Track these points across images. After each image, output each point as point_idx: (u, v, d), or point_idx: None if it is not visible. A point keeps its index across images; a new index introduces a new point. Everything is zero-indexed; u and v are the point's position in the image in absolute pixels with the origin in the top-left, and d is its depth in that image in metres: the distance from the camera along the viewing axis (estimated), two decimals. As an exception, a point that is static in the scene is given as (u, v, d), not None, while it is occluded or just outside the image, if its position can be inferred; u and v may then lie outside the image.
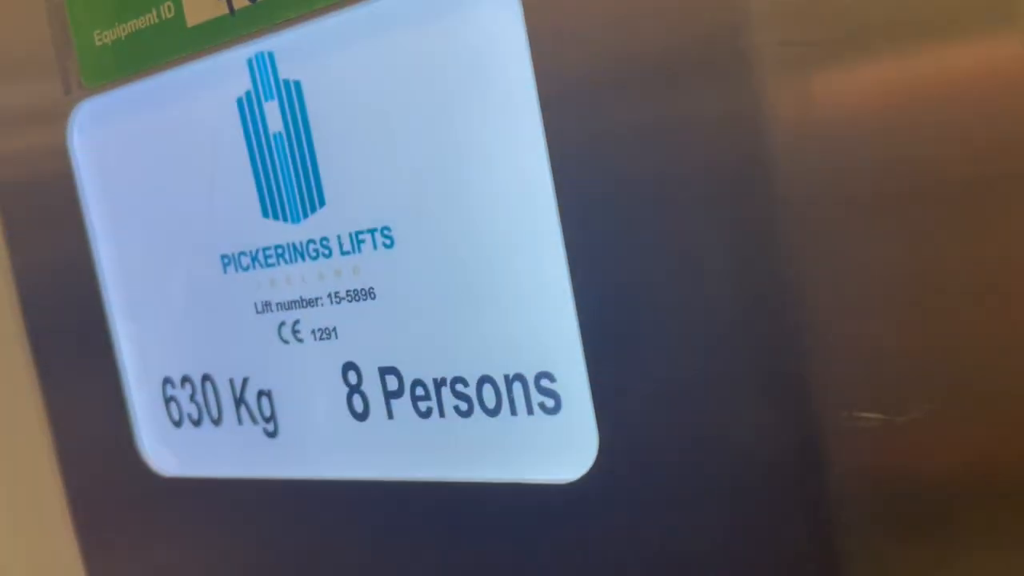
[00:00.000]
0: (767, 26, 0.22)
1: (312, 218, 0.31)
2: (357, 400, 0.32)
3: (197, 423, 0.36)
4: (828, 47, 0.22)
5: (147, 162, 0.35)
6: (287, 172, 0.31)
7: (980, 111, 0.21)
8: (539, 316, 0.27)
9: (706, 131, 0.24)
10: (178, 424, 0.37)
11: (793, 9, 0.22)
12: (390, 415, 0.31)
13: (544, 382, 0.28)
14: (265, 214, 0.32)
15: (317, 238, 0.31)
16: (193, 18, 0.31)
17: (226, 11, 0.31)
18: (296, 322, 0.32)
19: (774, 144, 0.23)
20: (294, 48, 0.30)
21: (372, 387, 0.31)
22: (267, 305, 0.33)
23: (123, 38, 0.33)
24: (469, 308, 0.29)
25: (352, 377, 0.32)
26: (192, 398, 0.36)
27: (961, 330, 0.22)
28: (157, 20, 0.32)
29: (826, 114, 0.22)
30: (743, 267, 0.24)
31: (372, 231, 0.30)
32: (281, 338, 0.33)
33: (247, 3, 0.30)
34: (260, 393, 0.34)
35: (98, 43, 0.34)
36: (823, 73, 0.22)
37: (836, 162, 0.22)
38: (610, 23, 0.25)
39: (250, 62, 0.31)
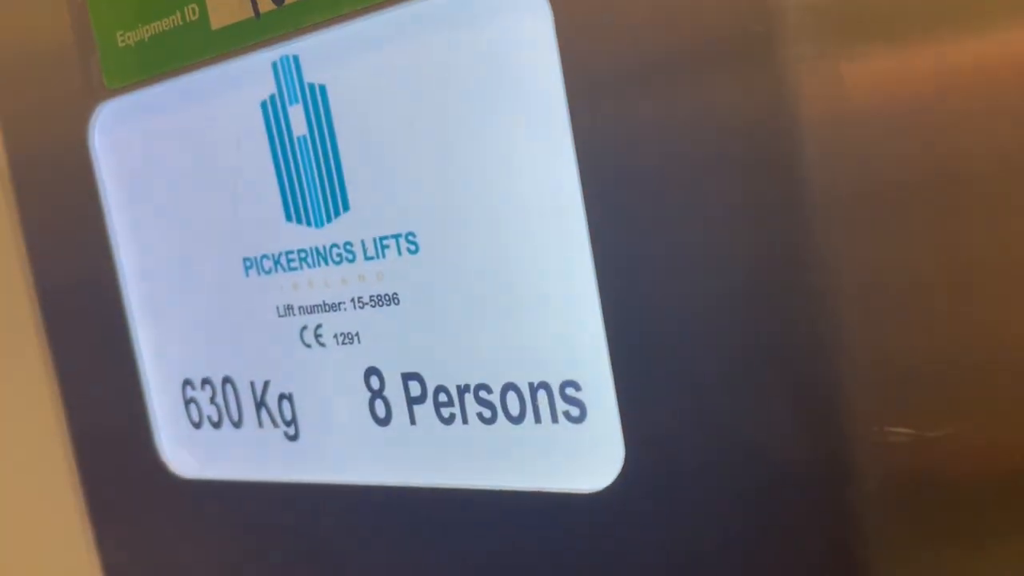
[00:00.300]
0: (797, 20, 0.22)
1: (336, 222, 0.31)
2: (379, 405, 0.32)
3: (217, 425, 0.36)
4: (859, 39, 0.22)
5: (170, 164, 0.35)
6: (311, 176, 0.31)
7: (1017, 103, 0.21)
8: (565, 324, 0.27)
9: (739, 138, 0.23)
10: (198, 426, 0.37)
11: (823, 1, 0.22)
12: (412, 421, 0.31)
13: (569, 390, 0.28)
14: (288, 218, 0.32)
15: (341, 242, 0.31)
16: (217, 21, 0.31)
17: (251, 14, 0.31)
18: (319, 326, 0.32)
19: (811, 150, 0.23)
20: (319, 52, 0.30)
21: (395, 392, 0.31)
22: (289, 308, 0.33)
23: (146, 39, 0.33)
24: (494, 315, 0.28)
25: (374, 382, 0.31)
26: (212, 400, 0.36)
27: (994, 345, 0.22)
28: (181, 22, 0.32)
29: (863, 110, 0.22)
30: (774, 277, 0.24)
31: (396, 236, 0.30)
32: (303, 342, 0.33)
33: (273, 7, 0.30)
34: (281, 396, 0.34)
35: (121, 44, 0.34)
36: (856, 65, 0.22)
37: (873, 164, 0.22)
38: (641, 29, 0.24)
39: (275, 65, 0.31)
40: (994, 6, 0.21)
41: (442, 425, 0.30)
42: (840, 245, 0.23)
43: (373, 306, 0.31)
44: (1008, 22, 0.21)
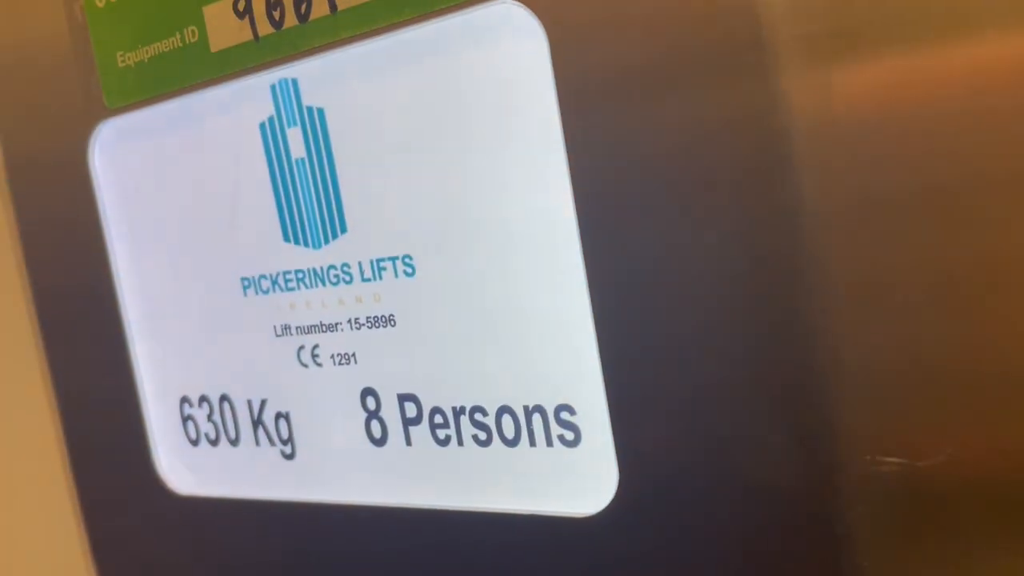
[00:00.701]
0: (787, 23, 0.22)
1: (333, 244, 0.31)
2: (375, 426, 0.32)
3: (214, 443, 0.36)
4: (849, 43, 0.22)
5: (169, 182, 0.35)
6: (309, 198, 0.31)
7: (1013, 109, 0.21)
8: (560, 348, 0.28)
9: (731, 151, 0.24)
10: (195, 443, 0.37)
11: (814, 11, 0.22)
12: (408, 442, 0.31)
13: (564, 414, 0.28)
14: (286, 239, 0.32)
15: (338, 264, 0.31)
16: (217, 43, 0.32)
17: (250, 37, 0.31)
18: (315, 346, 0.32)
19: (803, 164, 0.23)
20: (318, 75, 0.31)
21: (391, 413, 0.31)
22: (287, 328, 0.33)
23: (146, 61, 0.33)
24: (489, 338, 0.29)
25: (371, 403, 0.32)
26: (210, 418, 0.36)
27: (986, 372, 0.22)
28: (181, 44, 0.32)
29: (853, 120, 0.22)
30: (768, 301, 0.24)
31: (393, 259, 0.30)
32: (300, 362, 0.33)
33: (271, 31, 0.30)
34: (278, 415, 0.34)
35: (121, 64, 0.34)
36: (845, 71, 0.22)
37: (863, 178, 0.22)
38: (634, 51, 0.25)
39: (273, 88, 0.31)
40: (982, 16, 0.21)
41: (437, 447, 0.30)
42: (833, 266, 0.23)
43: (370, 327, 0.31)
44: (996, 31, 0.21)
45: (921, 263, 0.22)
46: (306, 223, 0.32)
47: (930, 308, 0.22)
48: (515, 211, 0.28)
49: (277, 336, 0.33)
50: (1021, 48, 0.21)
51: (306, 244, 0.32)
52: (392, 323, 0.30)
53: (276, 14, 0.30)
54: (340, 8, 0.29)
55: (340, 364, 0.32)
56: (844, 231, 0.23)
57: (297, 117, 0.31)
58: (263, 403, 0.35)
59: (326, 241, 0.31)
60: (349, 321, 0.31)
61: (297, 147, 0.31)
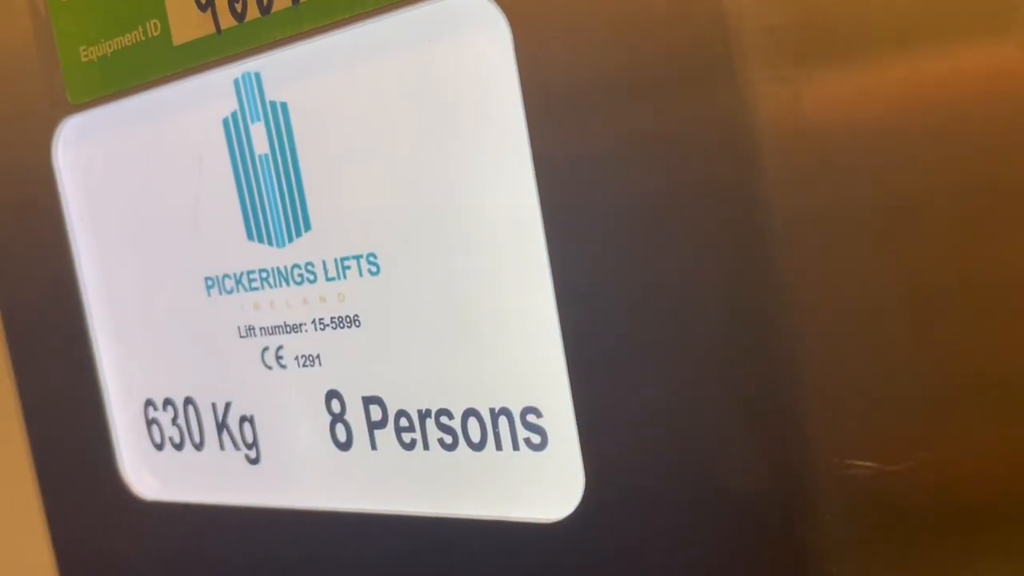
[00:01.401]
0: (755, 41, 0.22)
1: (297, 242, 0.30)
2: (340, 429, 0.31)
3: (179, 447, 0.36)
4: (817, 60, 0.21)
5: (133, 180, 0.34)
6: (272, 195, 0.31)
7: (983, 118, 0.20)
8: (526, 350, 0.27)
9: (698, 156, 0.23)
10: (160, 447, 0.36)
11: (783, 18, 0.22)
12: (373, 446, 0.30)
13: (530, 417, 0.27)
14: (250, 237, 0.32)
15: (302, 263, 0.30)
16: (179, 36, 0.31)
17: (212, 30, 0.30)
18: (280, 348, 0.32)
19: (770, 173, 0.22)
20: (281, 69, 0.30)
21: (356, 416, 0.30)
22: (251, 329, 0.32)
23: (109, 55, 0.33)
24: (455, 339, 0.28)
25: (335, 406, 0.31)
26: (174, 421, 0.36)
27: (956, 378, 0.21)
28: (143, 37, 0.32)
29: (822, 132, 0.22)
30: (735, 304, 0.23)
31: (357, 257, 0.29)
32: (264, 363, 0.32)
33: (234, 23, 0.29)
34: (243, 419, 0.33)
35: (84, 59, 0.33)
36: (816, 85, 0.22)
37: (832, 186, 0.22)
38: (600, 49, 0.24)
39: (236, 83, 0.31)
40: (952, 26, 0.20)
41: (403, 450, 0.30)
42: (801, 271, 0.22)
43: (334, 328, 0.30)
44: (966, 42, 0.20)
45: (890, 270, 0.21)
46: (270, 221, 0.31)
47: (900, 314, 0.21)
48: (480, 210, 0.27)
49: (241, 337, 0.33)
50: (993, 57, 0.20)
51: (270, 242, 0.31)
52: (357, 323, 0.30)
53: (238, 6, 0.29)
54: (302, 1, 0.28)
55: (304, 366, 0.31)
56: (813, 238, 0.22)
57: (260, 112, 0.30)
58: (227, 406, 0.34)
59: (290, 239, 0.31)
60: (314, 322, 0.31)
61: (260, 143, 0.31)
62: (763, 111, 0.22)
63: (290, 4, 0.28)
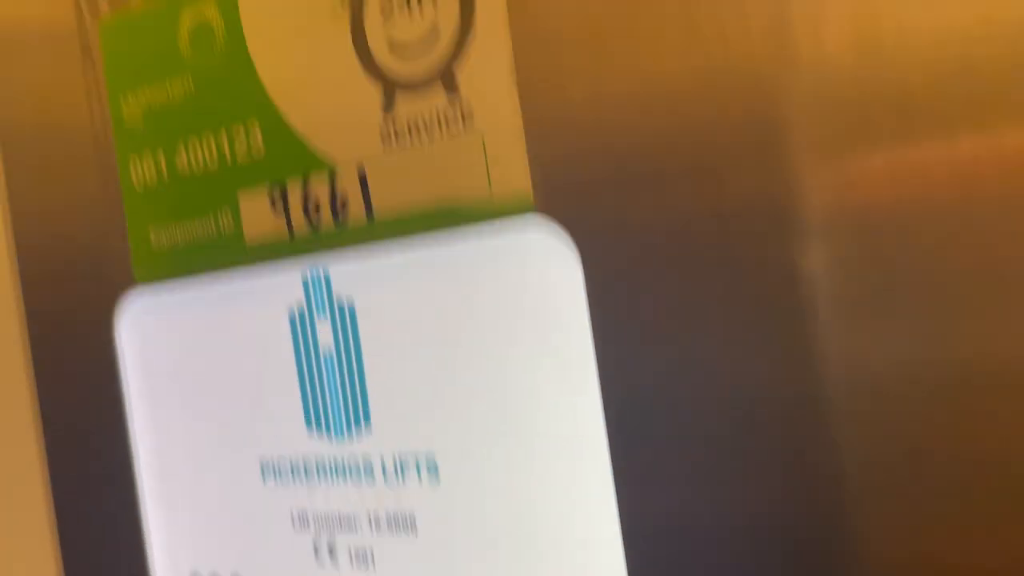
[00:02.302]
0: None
1: (356, 437, 0.31)
2: (390, 625, 0.31)
3: (222, 621, 0.36)
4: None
5: (194, 359, 0.35)
6: (334, 389, 0.31)
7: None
8: (586, 567, 0.27)
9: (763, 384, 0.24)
10: (203, 619, 0.36)
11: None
12: (424, 646, 0.30)
13: (587, 635, 0.27)
14: (308, 426, 0.32)
15: (360, 457, 0.31)
16: (252, 235, 0.32)
17: (285, 231, 0.31)
18: (332, 543, 0.32)
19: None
20: (350, 268, 0.31)
21: (407, 615, 0.31)
22: (304, 519, 0.33)
23: (179, 244, 0.34)
24: (513, 551, 0.28)
25: (387, 602, 0.31)
26: (219, 594, 0.36)
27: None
28: (215, 231, 0.33)
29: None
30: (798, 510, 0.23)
31: (418, 463, 0.30)
32: (316, 556, 0.32)
33: (307, 230, 0.31)
34: (290, 602, 0.34)
35: (154, 243, 0.35)
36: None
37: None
38: (669, 280, 0.25)
39: (305, 281, 0.31)
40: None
41: (454, 654, 0.30)
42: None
43: (389, 529, 0.31)
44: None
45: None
46: (330, 413, 0.32)
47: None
48: (543, 423, 0.28)
49: (293, 525, 0.33)
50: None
51: (329, 434, 0.32)
52: (413, 527, 0.30)
53: (312, 211, 0.30)
54: (377, 217, 0.29)
55: (357, 565, 0.31)
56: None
57: (327, 309, 0.31)
58: (275, 587, 0.34)
59: (350, 432, 0.31)
60: (369, 520, 0.31)
61: (325, 338, 0.31)
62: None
63: (364, 218, 0.29)
